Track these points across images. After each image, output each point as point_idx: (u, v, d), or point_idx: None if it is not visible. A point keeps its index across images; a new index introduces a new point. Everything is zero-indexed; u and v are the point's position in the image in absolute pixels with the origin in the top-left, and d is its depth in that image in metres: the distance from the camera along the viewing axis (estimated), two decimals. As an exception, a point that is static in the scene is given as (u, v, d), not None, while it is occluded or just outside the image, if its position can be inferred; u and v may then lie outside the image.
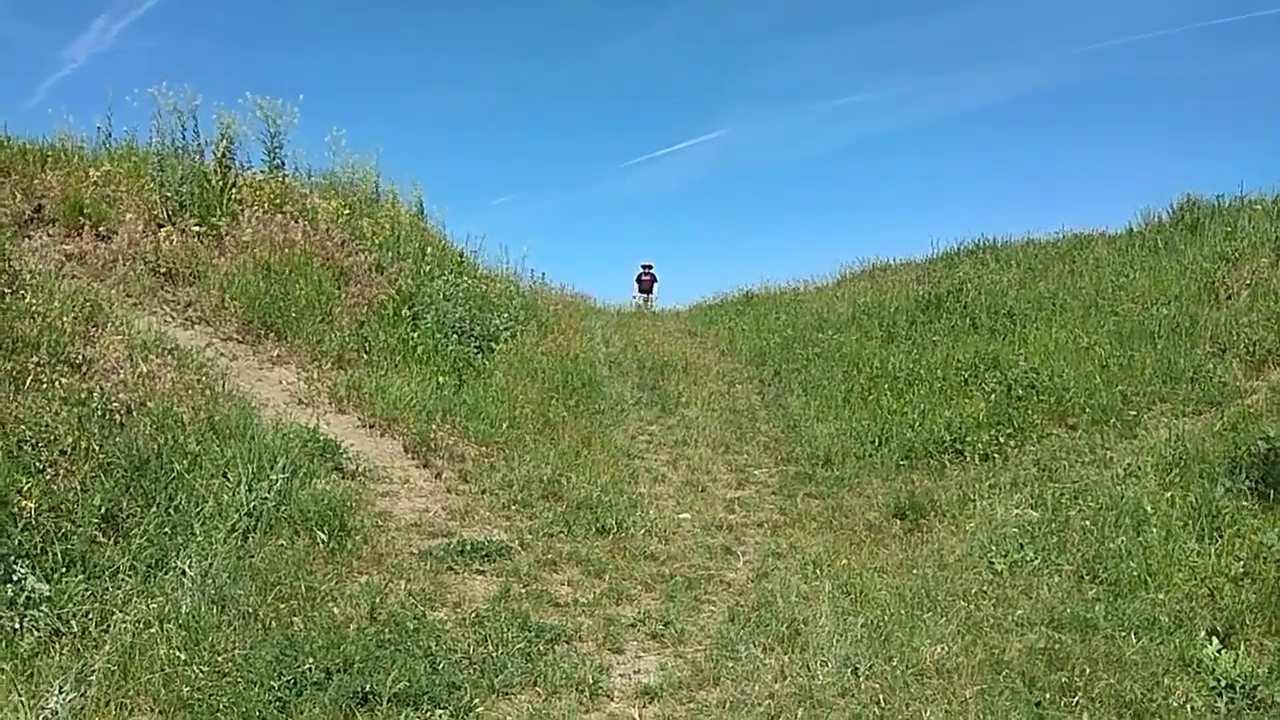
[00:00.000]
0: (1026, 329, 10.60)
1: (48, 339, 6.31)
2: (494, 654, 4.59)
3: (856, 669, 4.48)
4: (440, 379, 8.90)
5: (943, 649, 4.65)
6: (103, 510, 4.95)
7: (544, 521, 6.55)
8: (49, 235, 8.68)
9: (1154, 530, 5.75)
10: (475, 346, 10.23)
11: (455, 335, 10.12)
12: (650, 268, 22.43)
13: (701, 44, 51.61)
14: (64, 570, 4.53)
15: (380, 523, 6.09)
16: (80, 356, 6.41)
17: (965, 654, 4.61)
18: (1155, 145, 44.06)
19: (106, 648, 4.13)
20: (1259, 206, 12.38)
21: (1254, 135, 39.67)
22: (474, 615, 5.02)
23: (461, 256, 13.48)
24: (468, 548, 5.89)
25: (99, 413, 5.74)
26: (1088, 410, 8.18)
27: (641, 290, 22.11)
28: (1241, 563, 5.18)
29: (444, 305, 10.41)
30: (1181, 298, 10.15)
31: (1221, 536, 5.54)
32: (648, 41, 51.58)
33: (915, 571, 5.86)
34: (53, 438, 5.31)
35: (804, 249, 45.97)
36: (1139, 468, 6.86)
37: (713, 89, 52.33)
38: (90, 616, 4.35)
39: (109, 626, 4.31)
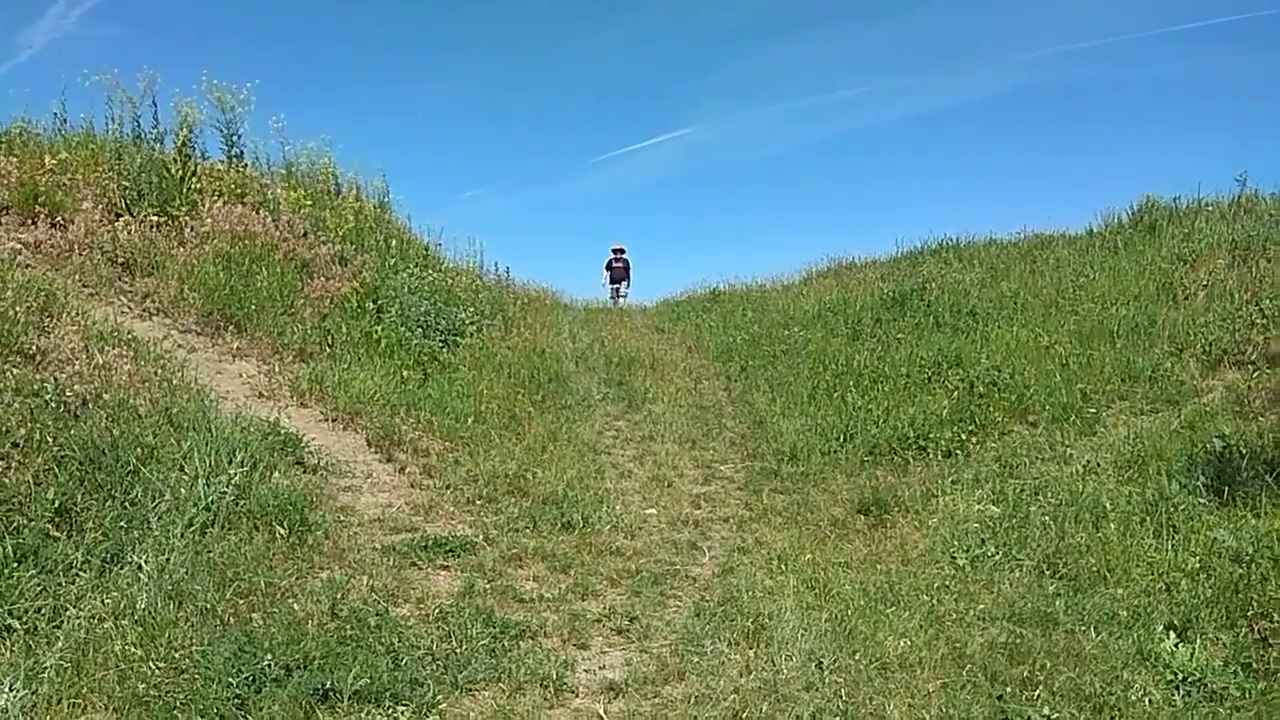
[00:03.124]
0: (989, 328, 10.71)
1: (0, 329, 6.16)
2: (457, 650, 4.54)
3: (821, 663, 4.50)
4: (404, 373, 8.82)
5: (906, 643, 4.68)
6: (56, 504, 4.84)
7: (509, 517, 6.51)
8: (2, 224, 8.47)
9: (1112, 526, 5.83)
10: (440, 340, 10.15)
11: (420, 329, 10.03)
12: (622, 252, 20.08)
13: (671, 42, 51.76)
14: (15, 565, 4.41)
15: (342, 518, 6.01)
16: (34, 347, 6.25)
17: (928, 648, 4.64)
18: (1115, 148, 44.83)
19: (59, 644, 4.03)
20: (1215, 209, 12.62)
21: (1212, 139, 40.53)
22: (437, 611, 4.96)
23: (427, 250, 13.38)
24: (431, 543, 5.83)
25: (53, 404, 5.60)
26: (1048, 408, 8.28)
27: (613, 279, 19.91)
28: (1197, 558, 5.26)
29: (408, 298, 10.32)
30: (1140, 298, 10.32)
31: (1178, 532, 5.63)
32: (617, 38, 51.63)
33: (879, 566, 5.89)
34: (4, 430, 5.17)
35: (771, 246, 46.30)
36: (1098, 464, 6.96)
37: (682, 86, 52.51)
38: (42, 613, 4.25)
39: (62, 623, 4.21)
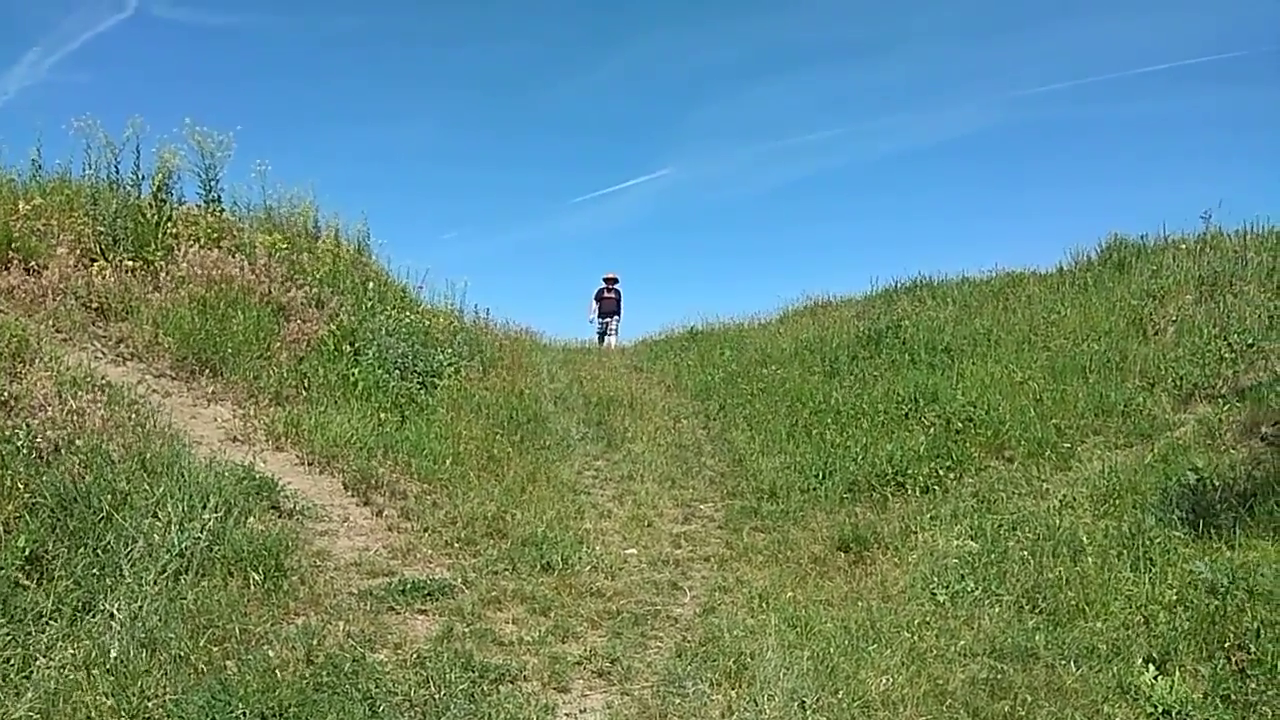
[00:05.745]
0: (963, 364, 10.81)
1: (-29, 375, 6.10)
2: (436, 695, 4.48)
3: (804, 702, 4.47)
4: (382, 415, 8.77)
5: (888, 680, 4.67)
6: (27, 552, 4.75)
7: (488, 559, 6.45)
8: (-26, 269, 8.42)
9: (1090, 560, 5.87)
10: (418, 382, 10.11)
11: (397, 371, 10.00)
12: (615, 282, 18.43)
13: (650, 83, 52.28)
14: (-17, 615, 4.34)
15: (318, 562, 5.94)
16: (6, 393, 6.19)
17: (910, 685, 4.63)
18: (1083, 187, 45.62)
19: (29, 695, 3.95)
20: (1183, 246, 12.84)
21: (1176, 178, 41.35)
22: (415, 656, 4.90)
23: (404, 291, 13.36)
24: (409, 587, 5.77)
25: (25, 451, 5.54)
26: (1023, 443, 8.35)
27: (602, 313, 18.24)
28: (1174, 591, 5.30)
29: (386, 340, 10.29)
30: (1111, 334, 10.46)
31: (1155, 565, 5.67)
32: (596, 81, 52.18)
33: (860, 603, 5.89)
34: (-26, 477, 5.11)
35: (748, 286, 46.48)
36: (1074, 499, 7.01)
37: (660, 128, 52.97)
38: (11, 663, 4.16)
39: (31, 673, 4.13)
